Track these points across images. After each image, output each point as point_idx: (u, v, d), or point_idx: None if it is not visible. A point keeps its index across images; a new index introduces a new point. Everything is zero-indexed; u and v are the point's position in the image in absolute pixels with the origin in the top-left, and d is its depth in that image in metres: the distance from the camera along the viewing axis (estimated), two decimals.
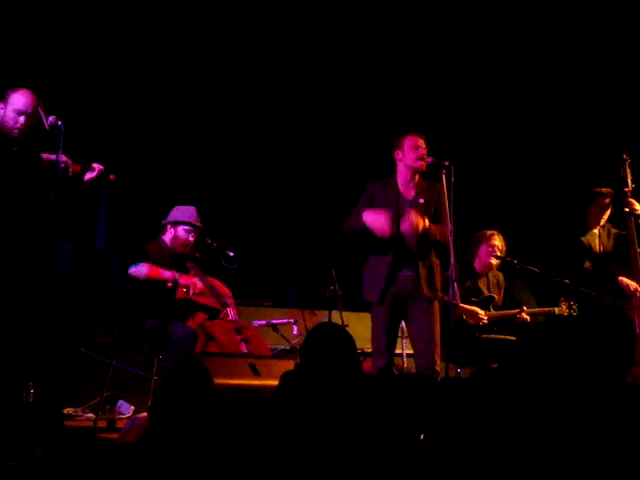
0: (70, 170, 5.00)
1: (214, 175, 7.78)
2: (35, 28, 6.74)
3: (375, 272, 5.23)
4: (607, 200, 6.33)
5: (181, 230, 5.70)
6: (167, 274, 5.56)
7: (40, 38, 6.76)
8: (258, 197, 8.06)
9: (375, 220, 5.11)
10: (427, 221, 5.14)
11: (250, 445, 2.85)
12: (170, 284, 5.54)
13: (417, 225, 5.09)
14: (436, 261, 5.30)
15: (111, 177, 5.24)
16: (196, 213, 5.74)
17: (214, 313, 5.73)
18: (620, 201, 6.30)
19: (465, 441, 2.50)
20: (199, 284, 5.59)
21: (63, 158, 4.90)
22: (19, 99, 4.95)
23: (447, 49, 8.23)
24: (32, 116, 4.97)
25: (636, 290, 6.13)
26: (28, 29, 6.70)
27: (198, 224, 5.73)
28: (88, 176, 5.16)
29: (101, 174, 5.17)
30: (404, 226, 5.11)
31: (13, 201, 4.91)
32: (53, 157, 4.93)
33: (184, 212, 5.73)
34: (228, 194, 7.84)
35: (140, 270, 5.51)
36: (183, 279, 5.57)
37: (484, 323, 5.97)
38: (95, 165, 5.16)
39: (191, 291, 5.56)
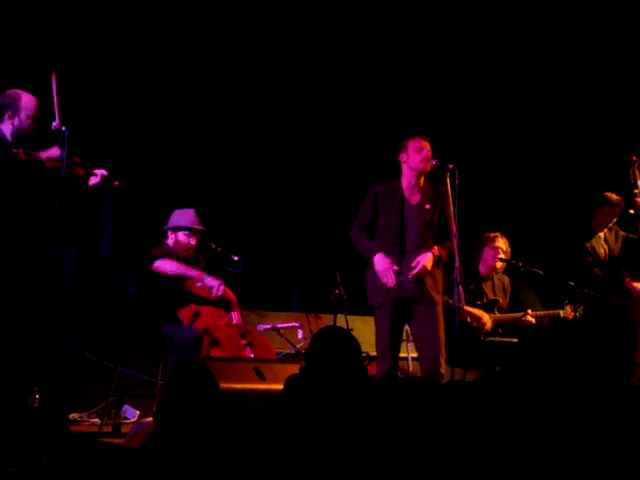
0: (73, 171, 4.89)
1: (218, 179, 7.78)
2: (39, 30, 6.74)
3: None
4: (617, 210, 6.29)
5: (181, 235, 5.67)
6: (195, 273, 5.53)
7: (43, 41, 6.77)
8: (262, 201, 8.06)
9: (383, 270, 5.13)
10: (430, 263, 5.16)
11: (255, 449, 2.84)
12: (199, 284, 5.52)
13: (426, 269, 5.15)
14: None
15: (115, 184, 5.11)
16: (195, 216, 5.70)
17: (227, 306, 5.72)
18: (627, 203, 6.28)
19: (470, 444, 2.50)
20: (222, 288, 5.54)
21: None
22: (31, 103, 4.87)
23: (453, 52, 8.23)
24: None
25: None
26: (32, 31, 6.70)
27: (198, 227, 5.70)
28: (92, 181, 5.04)
29: (105, 180, 5.05)
30: (416, 267, 5.14)
31: (19, 207, 4.82)
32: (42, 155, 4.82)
33: (182, 216, 5.70)
34: (232, 198, 7.84)
35: (166, 265, 5.47)
36: (210, 279, 5.53)
37: (486, 330, 5.96)
38: (97, 171, 5.04)
39: (214, 292, 5.53)
